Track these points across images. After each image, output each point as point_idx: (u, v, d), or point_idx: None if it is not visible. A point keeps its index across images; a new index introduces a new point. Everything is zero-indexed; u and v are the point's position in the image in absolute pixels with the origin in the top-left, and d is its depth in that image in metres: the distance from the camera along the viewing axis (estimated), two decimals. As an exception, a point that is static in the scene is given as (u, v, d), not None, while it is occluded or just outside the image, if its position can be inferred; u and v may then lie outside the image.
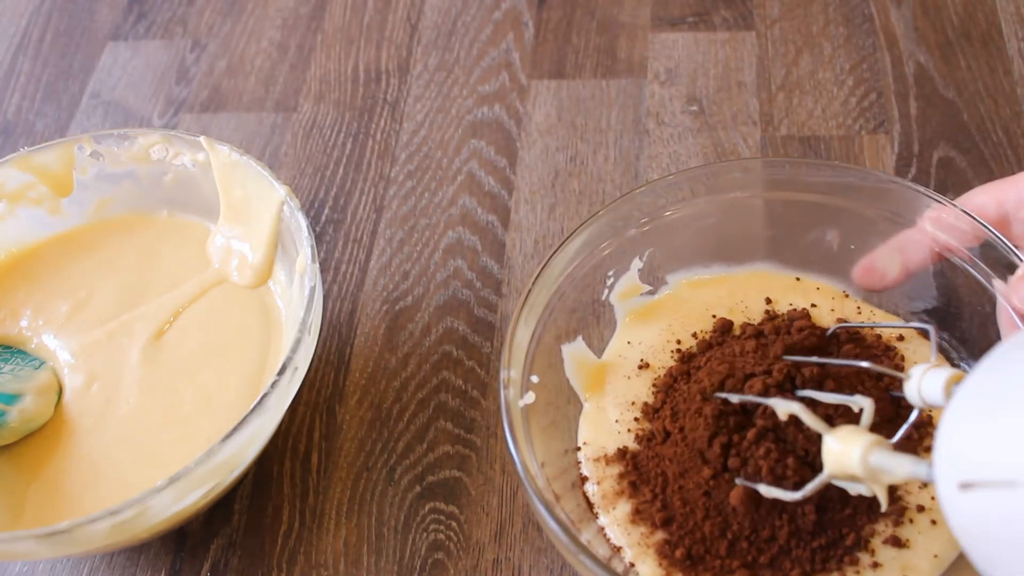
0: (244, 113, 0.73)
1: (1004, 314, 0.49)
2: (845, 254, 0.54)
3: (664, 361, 0.53)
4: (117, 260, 0.61)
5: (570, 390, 0.53)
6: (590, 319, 0.54)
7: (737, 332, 0.54)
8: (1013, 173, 0.51)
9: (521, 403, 0.48)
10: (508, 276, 0.63)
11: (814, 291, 0.55)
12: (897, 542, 0.46)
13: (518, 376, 0.49)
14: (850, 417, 0.46)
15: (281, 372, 0.49)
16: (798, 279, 0.56)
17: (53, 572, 0.55)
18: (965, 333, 0.52)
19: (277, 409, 0.50)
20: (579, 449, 0.51)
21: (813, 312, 0.54)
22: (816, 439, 0.46)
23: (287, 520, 0.55)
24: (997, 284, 0.49)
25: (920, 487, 0.48)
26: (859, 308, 0.54)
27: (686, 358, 0.53)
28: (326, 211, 0.67)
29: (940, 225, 0.51)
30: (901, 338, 0.53)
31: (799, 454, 0.46)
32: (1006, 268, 0.49)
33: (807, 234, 0.55)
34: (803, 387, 0.48)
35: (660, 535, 0.47)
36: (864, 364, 0.47)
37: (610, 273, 0.55)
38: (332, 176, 0.69)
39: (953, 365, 0.52)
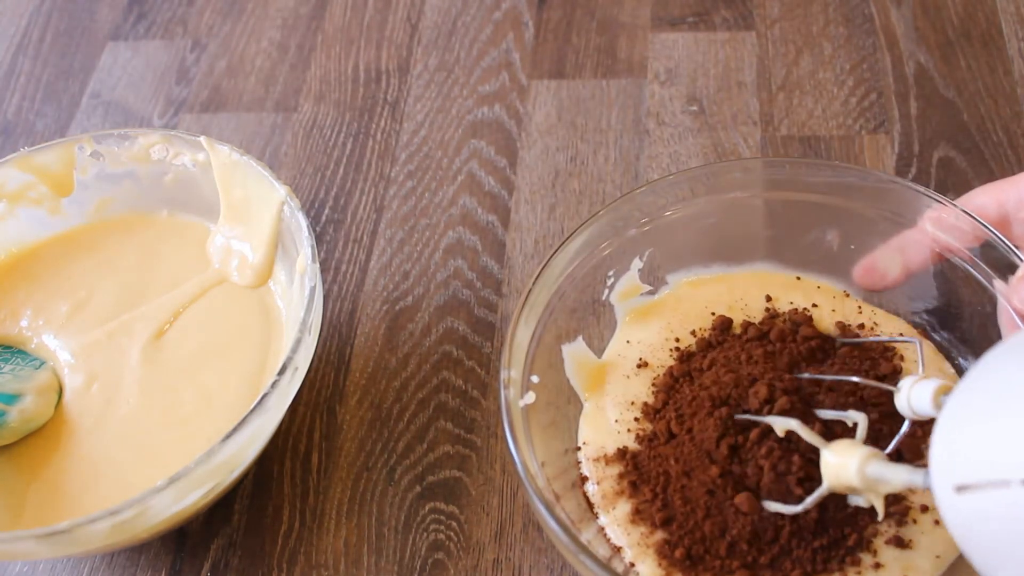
0: (244, 113, 0.73)
1: (1005, 314, 0.49)
2: (845, 254, 0.54)
3: (663, 360, 0.53)
4: (117, 260, 0.61)
5: (570, 390, 0.53)
6: (590, 319, 0.54)
7: (737, 330, 0.54)
8: (1013, 173, 0.51)
9: (521, 403, 0.48)
10: (508, 276, 0.63)
11: (814, 290, 0.55)
12: (900, 542, 0.46)
13: (518, 376, 0.49)
14: (853, 429, 0.47)
15: (281, 372, 0.49)
16: (798, 278, 0.56)
17: (53, 572, 0.55)
18: (965, 333, 0.52)
19: (277, 409, 0.50)
20: (579, 449, 0.51)
21: (814, 312, 0.54)
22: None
23: (287, 520, 0.55)
24: (998, 284, 0.49)
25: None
26: (859, 308, 0.54)
27: (685, 357, 0.53)
28: (326, 211, 0.67)
29: (940, 225, 0.51)
30: (901, 336, 0.53)
31: (803, 452, 0.46)
32: (1007, 268, 0.49)
33: (807, 234, 0.55)
34: (809, 398, 0.48)
35: (660, 535, 0.47)
36: (855, 379, 0.48)
37: (610, 273, 0.55)
38: (332, 176, 0.69)
39: (953, 365, 0.52)
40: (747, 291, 0.55)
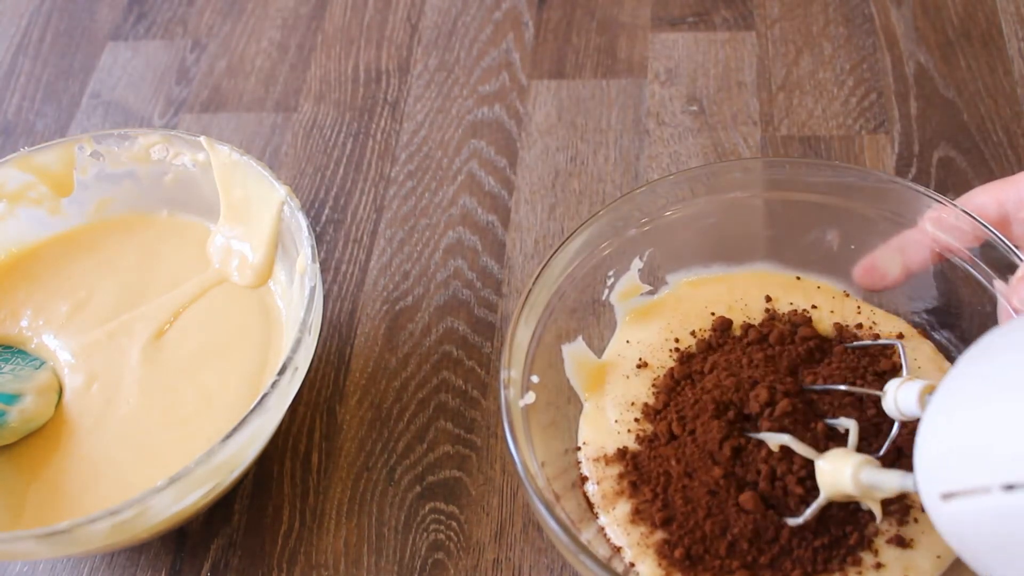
0: (244, 113, 0.73)
1: (1004, 314, 0.49)
2: (845, 254, 0.54)
3: (663, 360, 0.53)
4: (117, 260, 0.61)
5: (570, 390, 0.53)
6: (590, 319, 0.54)
7: (737, 332, 0.54)
8: (1013, 173, 0.51)
9: (521, 403, 0.48)
10: (508, 276, 0.63)
11: (814, 290, 0.55)
12: (901, 542, 0.46)
13: (518, 376, 0.49)
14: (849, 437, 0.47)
15: (281, 372, 0.49)
16: (798, 278, 0.56)
17: (53, 572, 0.55)
18: (965, 333, 0.52)
19: (277, 409, 0.50)
20: (579, 449, 0.51)
21: (813, 313, 0.54)
22: (821, 440, 0.47)
23: (287, 520, 0.55)
24: (998, 285, 0.49)
25: None
26: (859, 308, 0.54)
27: (685, 358, 0.53)
28: (326, 211, 0.67)
29: (940, 225, 0.51)
30: (901, 336, 0.53)
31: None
32: (1006, 268, 0.49)
33: (807, 234, 0.55)
34: (810, 400, 0.49)
35: (660, 535, 0.47)
36: (841, 387, 0.49)
37: (610, 273, 0.55)
38: (332, 176, 0.69)
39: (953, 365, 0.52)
40: (747, 291, 0.55)
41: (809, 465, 0.46)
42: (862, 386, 0.49)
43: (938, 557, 0.46)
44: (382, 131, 0.71)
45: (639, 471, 0.49)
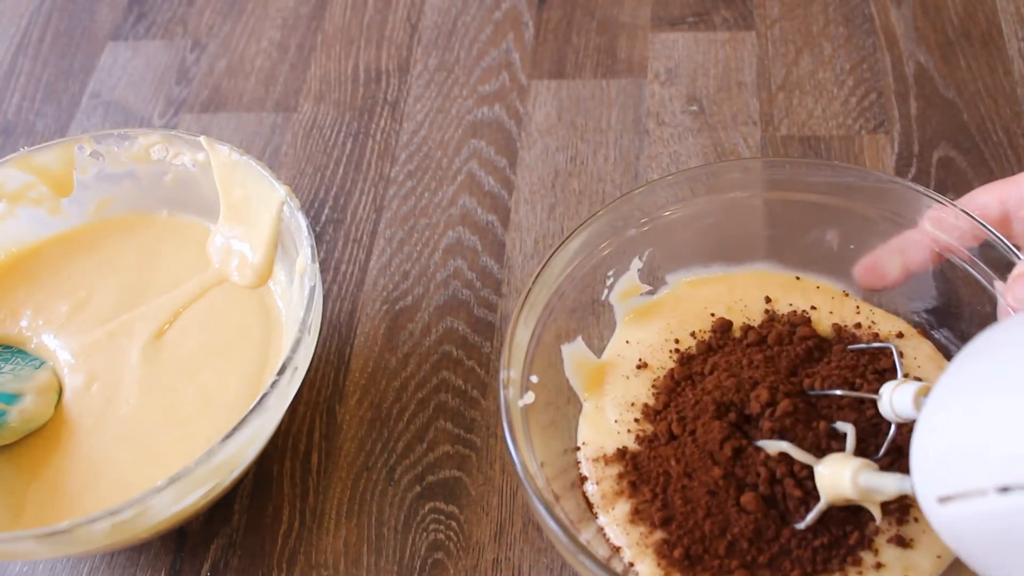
0: (244, 113, 0.73)
1: (1004, 314, 0.49)
2: (845, 254, 0.54)
3: (663, 361, 0.53)
4: (117, 260, 0.61)
5: (570, 390, 0.53)
6: (590, 319, 0.54)
7: (737, 334, 0.54)
8: (1013, 173, 0.51)
9: (521, 403, 0.48)
10: (508, 276, 0.63)
11: (814, 290, 0.55)
12: (901, 541, 0.46)
13: (518, 376, 0.49)
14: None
15: (281, 372, 0.49)
16: (798, 278, 0.56)
17: (53, 572, 0.55)
18: (965, 333, 0.52)
19: (277, 409, 0.50)
20: (578, 449, 0.51)
21: (813, 313, 0.54)
22: (823, 439, 0.47)
23: (287, 520, 0.55)
24: (998, 285, 0.49)
25: None
26: (858, 308, 0.54)
27: (685, 359, 0.53)
28: (326, 211, 0.67)
29: (940, 225, 0.51)
30: (900, 335, 0.53)
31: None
32: (1006, 268, 0.49)
33: (807, 234, 0.55)
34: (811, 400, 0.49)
35: (659, 535, 0.47)
36: (837, 392, 0.49)
37: (610, 273, 0.55)
38: (332, 176, 0.69)
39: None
40: (747, 291, 0.55)
41: (809, 467, 0.46)
42: (862, 385, 0.49)
43: (938, 557, 0.46)
44: (382, 131, 0.71)
45: (639, 471, 0.49)
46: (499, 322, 0.61)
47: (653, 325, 0.55)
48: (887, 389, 0.45)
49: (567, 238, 0.52)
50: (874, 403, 0.48)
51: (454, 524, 0.54)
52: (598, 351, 0.54)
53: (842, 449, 0.47)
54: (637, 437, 0.50)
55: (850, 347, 0.52)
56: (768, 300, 0.55)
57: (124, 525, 0.46)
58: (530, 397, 0.49)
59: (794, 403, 0.48)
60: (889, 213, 0.53)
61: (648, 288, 0.56)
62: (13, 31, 0.82)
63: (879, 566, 0.46)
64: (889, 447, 0.47)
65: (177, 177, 0.61)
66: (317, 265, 0.52)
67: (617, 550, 0.47)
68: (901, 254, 0.53)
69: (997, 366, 0.37)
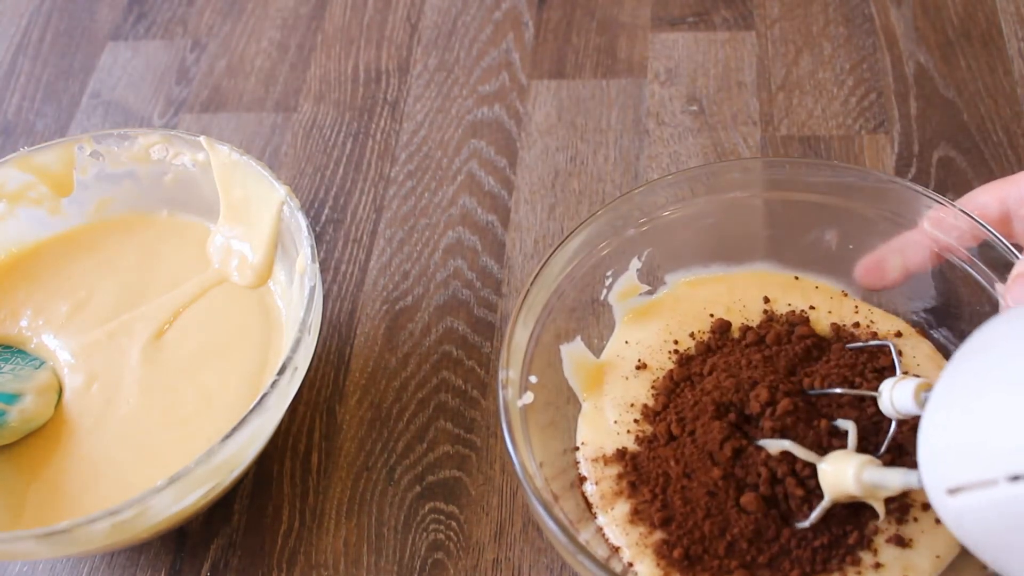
0: (244, 113, 0.73)
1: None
2: (844, 254, 0.54)
3: (662, 362, 0.53)
4: (117, 260, 0.61)
5: (569, 390, 0.53)
6: (589, 319, 0.54)
7: (736, 334, 0.54)
8: (1013, 173, 0.51)
9: (520, 403, 0.48)
10: (508, 276, 0.63)
11: (813, 290, 0.55)
12: (900, 541, 0.46)
13: (516, 376, 0.49)
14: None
15: (281, 372, 0.49)
16: (797, 278, 0.56)
17: (53, 572, 0.55)
18: (965, 333, 0.51)
19: (277, 409, 0.50)
20: (577, 449, 0.51)
21: (811, 313, 0.54)
22: (824, 437, 0.47)
23: (287, 520, 0.55)
24: (998, 287, 0.49)
25: None
26: (857, 307, 0.54)
27: (684, 360, 0.53)
28: (326, 211, 0.67)
29: (940, 225, 0.51)
30: (899, 334, 0.53)
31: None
32: (1005, 268, 0.49)
33: (807, 234, 0.55)
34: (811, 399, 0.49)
35: (659, 535, 0.47)
36: (837, 390, 0.49)
37: (609, 273, 0.55)
38: (332, 176, 0.69)
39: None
40: (746, 291, 0.55)
41: (810, 466, 0.46)
42: (861, 384, 0.49)
43: (937, 557, 0.46)
44: (382, 131, 0.71)
45: (638, 472, 0.49)
46: (499, 322, 0.61)
47: (652, 325, 0.55)
48: (887, 386, 0.45)
49: (566, 238, 0.52)
50: (874, 401, 0.48)
51: (454, 524, 0.54)
52: (597, 351, 0.54)
53: (844, 447, 0.47)
54: (636, 438, 0.50)
55: (849, 345, 0.52)
56: (766, 300, 0.55)
57: (124, 525, 0.46)
58: (529, 397, 0.49)
59: (794, 402, 0.48)
60: (889, 213, 0.53)
61: (647, 288, 0.56)
62: (13, 31, 0.82)
63: (878, 566, 0.46)
64: (890, 444, 0.47)
65: (177, 177, 0.61)
66: (317, 265, 0.52)
67: (616, 550, 0.47)
68: (901, 254, 0.53)
69: (1003, 356, 0.37)
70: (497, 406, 0.56)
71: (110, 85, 0.77)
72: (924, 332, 0.53)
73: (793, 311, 0.54)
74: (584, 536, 0.46)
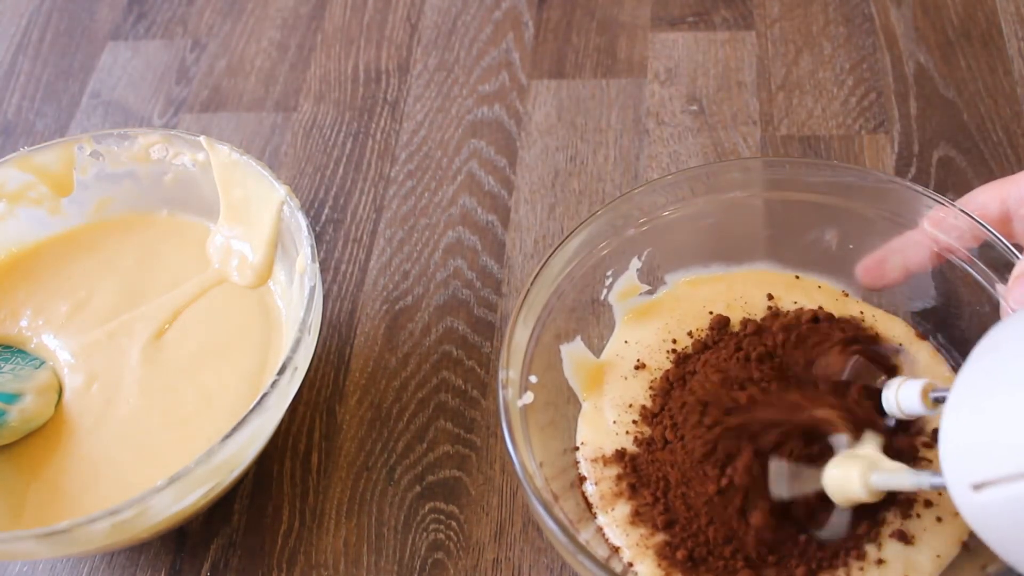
0: (244, 113, 0.73)
1: (1005, 316, 0.49)
2: (844, 254, 0.54)
3: (660, 362, 0.53)
4: (117, 260, 0.61)
5: (569, 390, 0.53)
6: (589, 319, 0.54)
7: (736, 328, 0.54)
8: (1013, 173, 0.51)
9: (520, 403, 0.48)
10: (508, 276, 0.63)
11: (814, 290, 0.55)
12: (903, 537, 0.46)
13: (516, 376, 0.49)
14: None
15: (281, 372, 0.49)
16: (797, 278, 0.56)
17: (53, 572, 0.55)
18: (964, 333, 0.52)
19: (277, 409, 0.50)
20: (577, 449, 0.51)
21: (812, 312, 0.54)
22: (814, 455, 0.47)
23: (287, 520, 0.55)
24: (999, 288, 0.49)
25: None
26: (859, 308, 0.54)
27: (681, 359, 0.53)
28: (326, 211, 0.67)
29: (940, 225, 0.51)
30: (900, 346, 0.53)
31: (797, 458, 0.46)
32: (1006, 268, 0.49)
33: (807, 234, 0.55)
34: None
35: (661, 537, 0.47)
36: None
37: (609, 273, 0.55)
38: (332, 176, 0.69)
39: (952, 365, 0.52)
40: (747, 289, 0.55)
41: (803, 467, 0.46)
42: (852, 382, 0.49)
43: (937, 556, 0.46)
44: (382, 131, 0.71)
45: (638, 474, 0.49)
46: (499, 322, 0.61)
47: (652, 325, 0.55)
48: (892, 385, 0.45)
49: (566, 238, 0.52)
50: (857, 385, 0.48)
51: (454, 524, 0.54)
52: (597, 351, 0.54)
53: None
54: (635, 439, 0.50)
55: (860, 345, 0.51)
56: (771, 297, 0.55)
57: (124, 525, 0.46)
58: (529, 397, 0.49)
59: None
60: (889, 213, 0.53)
61: (647, 288, 0.56)
62: (13, 31, 0.82)
63: (880, 562, 0.46)
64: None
65: (177, 177, 0.61)
66: (317, 265, 0.52)
67: (616, 550, 0.47)
68: (901, 254, 0.53)
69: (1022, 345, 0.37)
70: (497, 406, 0.56)
71: (110, 85, 0.77)
72: (924, 335, 0.53)
73: (801, 308, 0.54)
74: (584, 536, 0.46)
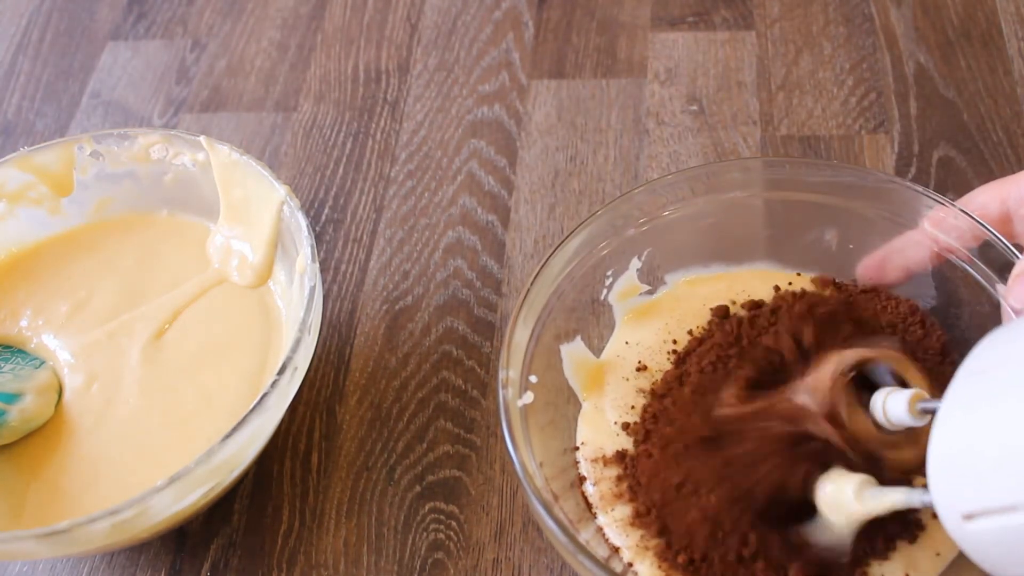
0: (244, 113, 0.73)
1: (1007, 317, 0.49)
2: (844, 254, 0.54)
3: (660, 363, 0.53)
4: (117, 260, 0.61)
5: (569, 390, 0.53)
6: (589, 319, 0.54)
7: (741, 312, 0.53)
8: (1013, 172, 0.51)
9: (520, 403, 0.48)
10: (508, 276, 0.63)
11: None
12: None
13: (516, 376, 0.49)
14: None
15: (281, 372, 0.49)
16: (799, 274, 0.56)
17: (53, 572, 0.55)
18: (965, 333, 0.52)
19: (277, 409, 0.50)
20: (577, 449, 0.51)
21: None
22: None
23: (287, 520, 0.55)
24: (1000, 288, 0.49)
25: None
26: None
27: (680, 360, 0.53)
28: (326, 211, 0.67)
29: (940, 226, 0.51)
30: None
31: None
32: (1006, 268, 0.49)
33: (807, 234, 0.55)
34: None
35: (660, 540, 0.47)
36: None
37: (609, 273, 0.55)
38: (332, 176, 0.69)
39: (952, 365, 0.52)
40: (746, 290, 0.55)
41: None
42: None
43: (937, 555, 0.46)
44: (382, 131, 0.71)
45: (637, 478, 0.49)
46: (499, 322, 0.61)
47: (652, 325, 0.55)
48: (879, 396, 0.45)
49: (566, 238, 0.52)
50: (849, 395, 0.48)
51: (454, 524, 0.54)
52: (597, 351, 0.54)
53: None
54: (635, 440, 0.50)
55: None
56: (777, 289, 0.54)
57: (124, 525, 0.46)
58: (529, 397, 0.49)
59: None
60: (889, 213, 0.53)
61: (647, 288, 0.56)
62: (13, 31, 0.82)
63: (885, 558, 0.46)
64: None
65: (177, 177, 0.61)
66: (317, 265, 0.52)
67: (616, 550, 0.47)
68: (901, 254, 0.53)
69: (1014, 371, 0.36)
70: (497, 406, 0.56)
71: (110, 85, 0.77)
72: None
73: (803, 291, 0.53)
74: (584, 536, 0.46)
